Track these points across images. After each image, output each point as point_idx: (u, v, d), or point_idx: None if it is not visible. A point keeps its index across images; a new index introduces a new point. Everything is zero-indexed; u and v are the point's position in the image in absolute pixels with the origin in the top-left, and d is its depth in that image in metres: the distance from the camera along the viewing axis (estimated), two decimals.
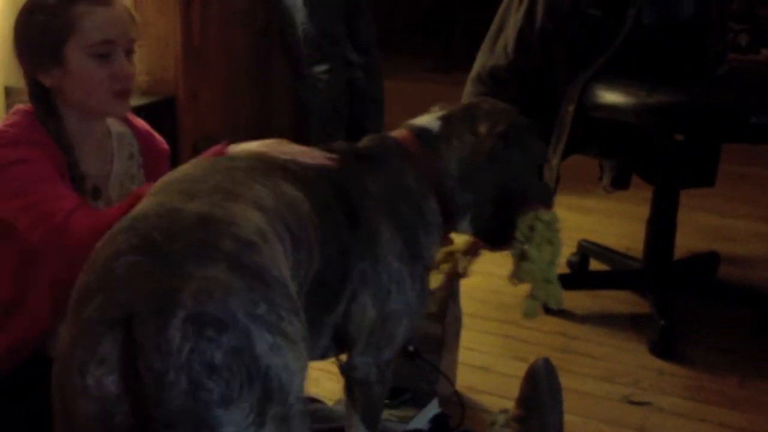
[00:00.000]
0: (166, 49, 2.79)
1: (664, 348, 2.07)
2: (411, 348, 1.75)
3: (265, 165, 1.23)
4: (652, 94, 2.06)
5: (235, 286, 0.94)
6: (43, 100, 1.43)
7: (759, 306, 2.25)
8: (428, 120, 1.45)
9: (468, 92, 2.36)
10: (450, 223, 1.44)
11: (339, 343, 1.36)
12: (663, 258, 2.29)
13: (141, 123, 1.60)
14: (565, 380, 1.64)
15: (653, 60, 2.21)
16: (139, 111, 1.96)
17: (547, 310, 2.23)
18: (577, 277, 2.46)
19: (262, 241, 1.03)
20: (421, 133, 1.42)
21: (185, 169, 1.22)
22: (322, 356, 1.39)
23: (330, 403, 1.71)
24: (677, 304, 2.20)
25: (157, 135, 1.61)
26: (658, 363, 2.04)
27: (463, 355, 1.91)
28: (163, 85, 2.77)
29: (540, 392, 1.56)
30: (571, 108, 2.20)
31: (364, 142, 1.44)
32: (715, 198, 2.88)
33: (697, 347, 2.10)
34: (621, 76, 2.17)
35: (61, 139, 1.42)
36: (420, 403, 1.71)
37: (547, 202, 1.50)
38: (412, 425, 1.64)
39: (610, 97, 2.14)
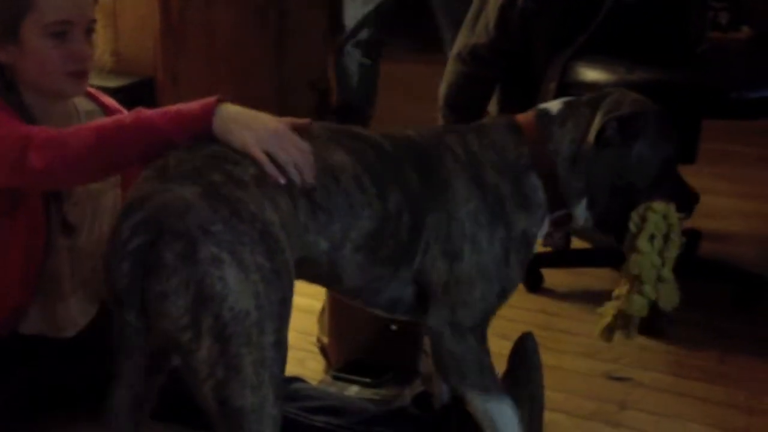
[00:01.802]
0: (144, 28, 2.77)
1: (644, 324, 2.08)
2: (393, 327, 1.75)
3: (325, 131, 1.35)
4: (633, 72, 2.07)
5: (197, 205, 1.13)
6: (1, 74, 1.41)
7: (739, 282, 2.27)
8: (554, 103, 1.48)
9: (449, 71, 2.37)
10: (560, 205, 1.44)
11: (423, 302, 1.39)
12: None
13: (109, 100, 1.59)
14: (546, 357, 1.65)
15: (634, 38, 2.21)
16: (116, 92, 1.94)
17: (529, 289, 2.24)
18: (559, 254, 2.47)
19: (255, 184, 1.19)
20: (542, 114, 1.46)
21: None
22: (406, 312, 1.42)
23: (314, 383, 1.71)
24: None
25: (125, 111, 1.60)
26: (639, 339, 2.03)
27: None
28: (140, 65, 2.74)
29: (529, 366, 1.57)
30: (552, 86, 2.20)
31: (487, 118, 1.53)
32: (696, 175, 2.88)
33: (677, 323, 2.11)
34: (602, 53, 2.17)
35: (23, 115, 1.41)
36: (403, 382, 1.72)
37: (674, 199, 1.43)
38: (395, 404, 1.65)
39: (591, 74, 2.15)
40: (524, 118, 1.46)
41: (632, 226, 1.41)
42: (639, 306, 1.44)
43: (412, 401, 1.65)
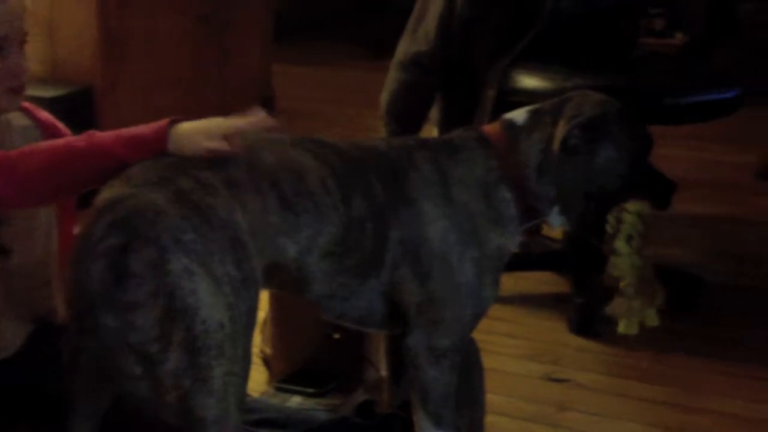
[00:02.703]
0: (82, 36, 2.72)
1: (583, 326, 2.13)
2: (336, 336, 1.76)
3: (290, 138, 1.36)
4: (569, 79, 2.11)
5: (168, 212, 1.13)
6: None
7: (673, 282, 2.31)
8: (518, 113, 1.46)
9: (391, 78, 2.38)
10: (532, 216, 1.43)
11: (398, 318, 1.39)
12: (581, 238, 2.35)
13: (44, 114, 1.57)
14: (488, 361, 1.67)
15: (571, 45, 2.26)
16: (53, 102, 1.92)
17: None
18: None
19: (225, 187, 1.20)
20: (508, 125, 1.44)
21: None
22: (379, 326, 1.42)
23: (256, 395, 1.71)
24: (596, 283, 2.26)
25: (60, 125, 1.57)
26: (577, 341, 2.10)
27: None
28: (78, 74, 2.70)
29: (471, 370, 1.59)
30: (491, 93, 2.24)
31: (454, 132, 1.48)
32: None
33: (615, 324, 2.16)
34: (540, 61, 2.22)
35: None
36: (346, 391, 1.73)
37: (652, 197, 1.43)
38: (339, 413, 1.66)
39: (529, 81, 2.19)
40: (492, 130, 1.45)
41: (609, 229, 1.40)
42: (622, 308, 1.43)
43: (356, 410, 1.66)
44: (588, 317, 2.14)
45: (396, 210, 1.35)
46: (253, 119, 1.30)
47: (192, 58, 3.18)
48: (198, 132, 1.27)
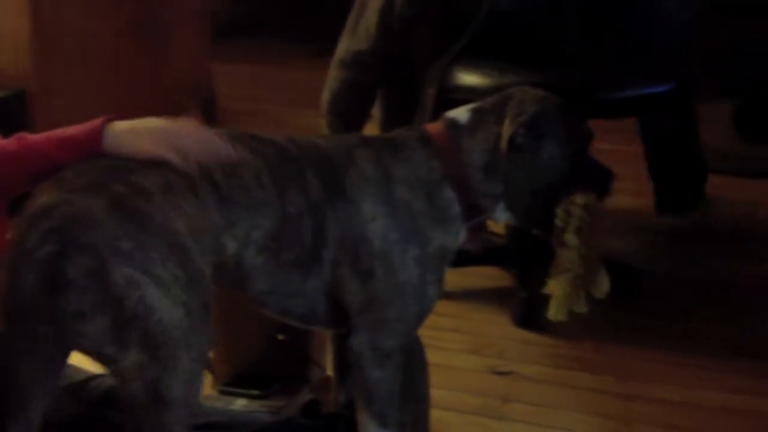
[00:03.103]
0: (13, 39, 2.66)
1: (526, 319, 2.16)
2: (280, 337, 1.75)
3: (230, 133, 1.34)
4: (507, 75, 2.14)
5: (104, 220, 1.12)
6: None
7: (613, 274, 2.37)
8: (460, 112, 1.46)
9: (332, 77, 2.38)
10: (476, 213, 1.43)
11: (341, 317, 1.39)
12: (524, 233, 2.38)
13: None
14: (433, 356, 1.68)
15: (510, 42, 2.28)
16: None
17: None
18: None
19: (159, 192, 1.18)
20: (451, 124, 1.44)
21: None
22: (323, 325, 1.42)
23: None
24: (539, 277, 2.30)
25: None
26: (521, 333, 2.13)
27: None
28: (10, 78, 2.64)
29: (414, 367, 1.59)
30: (431, 91, 2.25)
31: (397, 131, 1.49)
32: None
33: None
34: (479, 58, 2.24)
35: None
36: (291, 392, 1.72)
37: (594, 188, 1.45)
38: (284, 414, 1.65)
39: (469, 79, 2.21)
40: (434, 129, 1.45)
41: (558, 222, 1.42)
42: (571, 296, 1.45)
43: (301, 410, 1.65)
44: (531, 310, 2.17)
45: (334, 207, 1.35)
46: (186, 122, 1.29)
47: (127, 60, 3.13)
48: (134, 132, 1.25)
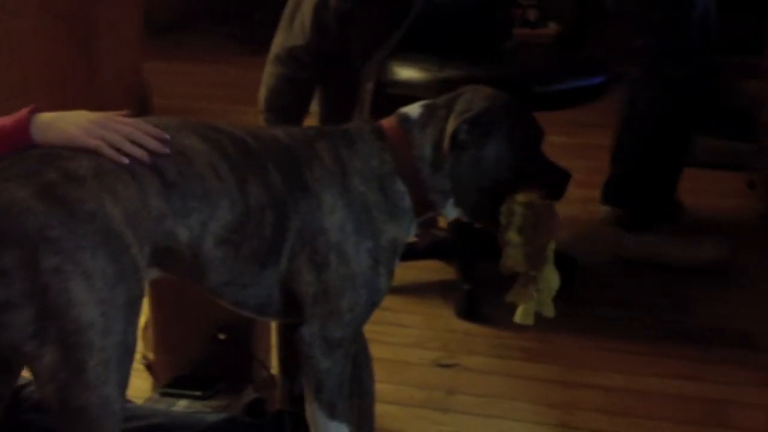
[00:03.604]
0: None
1: (469, 311, 2.17)
2: (222, 336, 1.73)
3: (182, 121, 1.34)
4: (443, 69, 2.15)
5: (34, 208, 1.11)
6: None
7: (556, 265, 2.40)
8: (413, 107, 1.47)
9: (268, 73, 2.36)
10: (427, 208, 1.44)
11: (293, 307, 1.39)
12: (466, 226, 2.39)
13: None
14: (378, 350, 1.68)
15: (446, 36, 2.29)
16: None
17: None
18: None
19: (93, 177, 1.18)
20: (403, 119, 1.44)
21: None
22: (276, 315, 1.41)
23: (139, 402, 1.66)
24: (481, 269, 2.31)
25: None
26: (465, 326, 2.14)
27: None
28: None
29: (357, 363, 1.59)
30: (369, 85, 2.25)
31: (351, 123, 1.49)
32: None
33: (500, 308, 2.17)
34: (416, 52, 2.24)
35: None
36: (235, 391, 1.70)
37: (546, 188, 1.43)
38: (228, 414, 1.62)
39: (405, 73, 2.21)
40: (388, 123, 1.45)
41: (502, 220, 1.41)
42: (520, 296, 1.43)
43: (245, 409, 1.63)
44: (474, 303, 2.18)
45: (296, 199, 1.35)
46: (114, 113, 1.28)
47: (57, 59, 3.05)
48: (61, 122, 1.23)
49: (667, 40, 2.42)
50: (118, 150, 1.23)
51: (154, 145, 1.26)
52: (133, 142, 1.24)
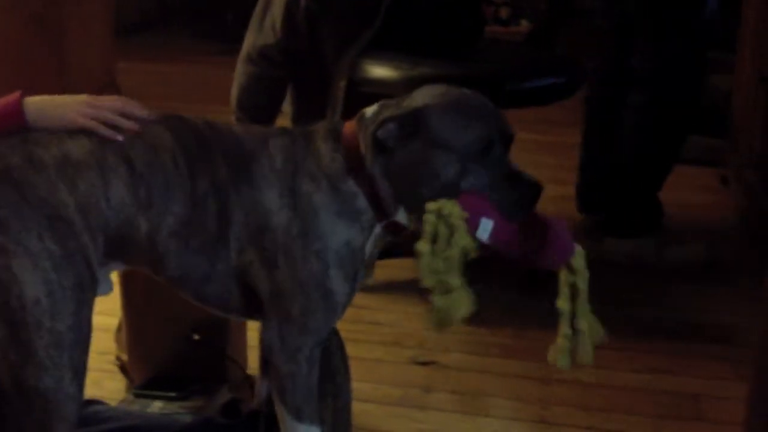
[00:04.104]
0: None
1: None
2: (196, 337, 1.71)
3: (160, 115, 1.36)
4: (416, 67, 2.15)
5: None
6: None
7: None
8: (371, 107, 1.40)
9: (240, 72, 2.34)
10: (384, 212, 1.35)
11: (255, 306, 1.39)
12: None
13: None
14: (356, 349, 1.68)
15: (418, 34, 2.29)
16: None
17: None
18: None
19: (55, 166, 1.23)
20: (360, 118, 1.39)
21: None
22: (240, 313, 1.41)
23: (113, 404, 1.64)
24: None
25: None
26: None
27: (253, 336, 1.90)
28: None
29: (332, 362, 1.58)
30: (342, 84, 2.24)
31: (319, 123, 1.44)
32: None
33: (477, 304, 2.21)
34: (388, 50, 2.23)
35: None
36: (209, 392, 1.68)
37: (503, 195, 1.29)
38: (203, 415, 1.61)
39: (378, 71, 2.21)
40: (348, 123, 1.40)
41: (412, 227, 1.32)
42: (435, 310, 1.28)
43: (221, 410, 1.62)
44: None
45: (238, 191, 1.34)
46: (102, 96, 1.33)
47: (27, 60, 3.01)
48: (56, 104, 1.28)
49: (666, 63, 2.45)
50: (113, 128, 1.28)
51: (143, 113, 1.31)
52: (123, 115, 1.30)
